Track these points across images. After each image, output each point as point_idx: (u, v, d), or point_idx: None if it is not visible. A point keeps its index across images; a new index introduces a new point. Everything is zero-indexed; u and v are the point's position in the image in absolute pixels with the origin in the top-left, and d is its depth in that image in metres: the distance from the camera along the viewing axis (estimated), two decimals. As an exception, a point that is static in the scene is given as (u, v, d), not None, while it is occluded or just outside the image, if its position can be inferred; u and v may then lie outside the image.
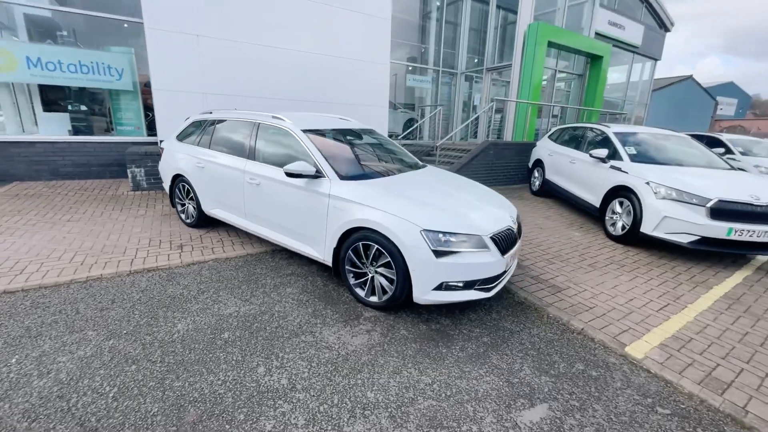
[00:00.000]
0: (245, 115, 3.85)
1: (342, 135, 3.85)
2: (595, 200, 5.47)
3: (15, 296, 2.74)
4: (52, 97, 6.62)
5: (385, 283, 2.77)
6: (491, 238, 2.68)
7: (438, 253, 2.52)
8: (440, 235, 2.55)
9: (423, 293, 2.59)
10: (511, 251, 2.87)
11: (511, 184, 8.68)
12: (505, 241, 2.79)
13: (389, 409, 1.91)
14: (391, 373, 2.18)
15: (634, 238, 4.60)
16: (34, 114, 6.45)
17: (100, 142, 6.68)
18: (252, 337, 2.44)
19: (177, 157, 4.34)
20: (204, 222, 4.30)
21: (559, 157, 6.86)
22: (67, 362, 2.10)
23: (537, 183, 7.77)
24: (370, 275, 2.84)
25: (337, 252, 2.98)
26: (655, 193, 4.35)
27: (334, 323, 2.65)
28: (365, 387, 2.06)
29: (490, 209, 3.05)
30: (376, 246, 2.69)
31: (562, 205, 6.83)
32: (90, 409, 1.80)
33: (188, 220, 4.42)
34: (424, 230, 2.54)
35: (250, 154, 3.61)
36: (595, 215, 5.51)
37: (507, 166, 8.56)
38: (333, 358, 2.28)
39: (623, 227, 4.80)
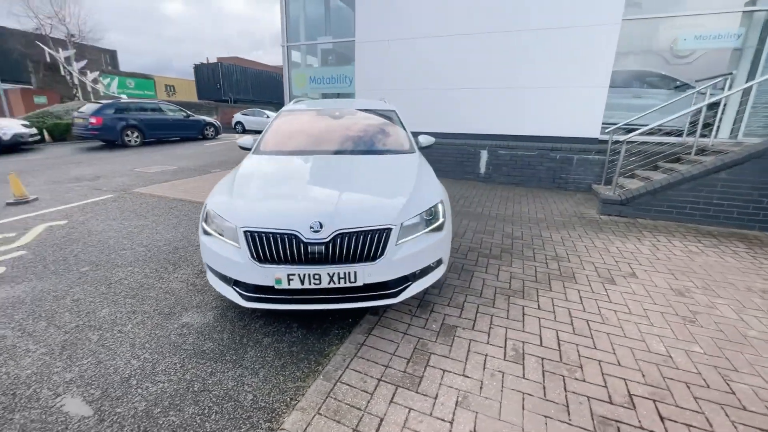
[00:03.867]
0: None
1: (331, 116, 3.75)
2: None
3: (180, 201, 5.27)
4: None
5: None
6: (246, 232, 2.08)
7: (204, 231, 2.35)
8: (211, 211, 2.34)
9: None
10: (302, 267, 2.01)
11: None
12: (276, 247, 2.04)
13: (95, 356, 2.36)
14: (150, 336, 2.51)
15: None
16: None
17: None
18: (159, 255, 3.46)
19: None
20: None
21: None
22: (129, 230, 4.08)
23: None
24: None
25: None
26: None
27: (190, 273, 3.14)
28: (117, 338, 2.57)
29: (337, 201, 2.19)
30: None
31: None
32: (94, 249, 3.57)
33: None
34: (208, 201, 2.43)
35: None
36: None
37: None
38: (156, 304, 2.88)
39: None
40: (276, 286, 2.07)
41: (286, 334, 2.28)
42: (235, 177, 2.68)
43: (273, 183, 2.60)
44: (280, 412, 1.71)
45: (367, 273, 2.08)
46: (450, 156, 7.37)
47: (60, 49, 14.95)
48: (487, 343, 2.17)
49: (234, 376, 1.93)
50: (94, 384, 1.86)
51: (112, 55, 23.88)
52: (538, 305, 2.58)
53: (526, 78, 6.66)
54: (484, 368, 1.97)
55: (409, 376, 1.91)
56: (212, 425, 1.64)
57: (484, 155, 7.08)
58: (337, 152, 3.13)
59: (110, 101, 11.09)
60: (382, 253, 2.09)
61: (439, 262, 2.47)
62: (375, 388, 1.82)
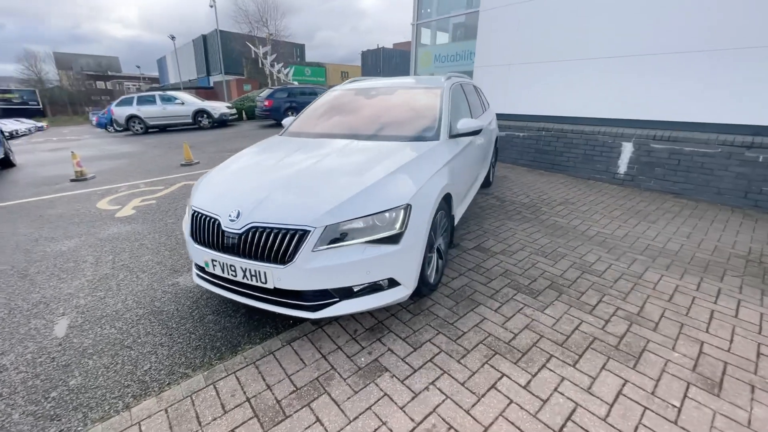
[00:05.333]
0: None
1: (366, 96, 3.37)
2: None
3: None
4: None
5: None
6: (195, 211, 2.12)
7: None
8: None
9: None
10: (222, 256, 1.92)
11: None
12: (203, 229, 2.02)
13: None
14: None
15: None
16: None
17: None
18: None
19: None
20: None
21: None
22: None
23: None
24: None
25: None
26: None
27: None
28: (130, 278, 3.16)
29: (269, 192, 1.99)
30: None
31: None
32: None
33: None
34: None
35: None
36: None
37: None
38: (176, 261, 3.41)
39: None
40: (206, 268, 2.06)
41: (228, 318, 2.27)
42: (230, 162, 2.77)
43: (248, 166, 2.53)
44: (148, 394, 1.72)
45: (276, 276, 1.81)
46: (577, 148, 5.70)
47: (261, 47, 19.51)
48: (402, 408, 1.58)
49: (157, 342, 2.07)
50: (84, 315, 2.33)
51: (301, 48, 29.34)
52: (529, 381, 1.70)
53: (709, 35, 4.32)
54: (365, 440, 1.44)
55: (275, 410, 1.59)
56: (103, 380, 1.80)
57: (626, 149, 5.16)
58: (345, 136, 2.82)
59: (280, 87, 13.62)
60: (291, 258, 1.78)
61: (392, 283, 1.94)
62: (233, 408, 1.60)
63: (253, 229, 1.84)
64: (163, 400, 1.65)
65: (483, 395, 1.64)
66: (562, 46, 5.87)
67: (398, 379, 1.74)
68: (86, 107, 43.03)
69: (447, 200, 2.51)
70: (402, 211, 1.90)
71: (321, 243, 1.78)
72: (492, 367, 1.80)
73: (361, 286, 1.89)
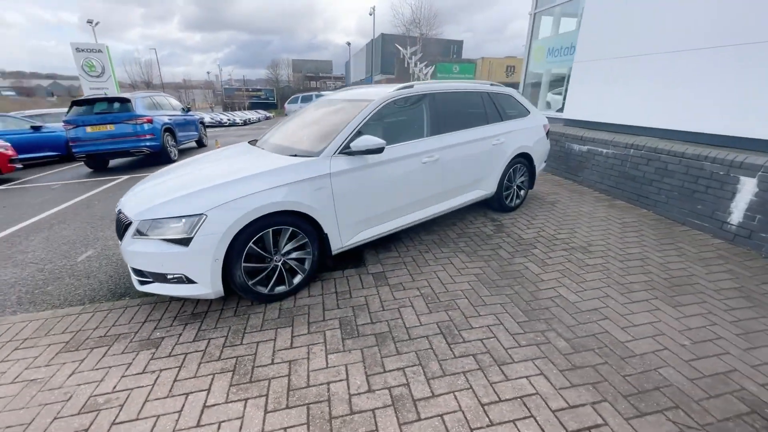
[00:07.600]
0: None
1: (315, 107, 3.52)
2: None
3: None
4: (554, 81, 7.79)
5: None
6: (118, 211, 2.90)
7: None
8: None
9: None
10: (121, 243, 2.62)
11: None
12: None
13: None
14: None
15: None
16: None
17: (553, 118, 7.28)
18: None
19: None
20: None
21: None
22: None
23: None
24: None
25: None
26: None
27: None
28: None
29: (144, 190, 2.67)
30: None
31: None
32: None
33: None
34: None
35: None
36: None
37: None
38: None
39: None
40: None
41: (146, 275, 3.07)
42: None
43: (173, 168, 3.16)
44: (58, 307, 2.66)
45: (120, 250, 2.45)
46: (672, 176, 3.94)
47: (408, 47, 20.53)
48: (115, 383, 1.94)
49: (101, 278, 3.04)
50: (100, 252, 3.60)
51: (458, 45, 29.01)
52: (183, 406, 1.73)
53: None
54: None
55: (78, 343, 2.23)
56: (58, 292, 2.87)
57: (746, 187, 3.25)
58: (275, 149, 3.14)
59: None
60: (122, 240, 2.36)
61: (188, 279, 2.25)
62: (67, 334, 2.34)
63: (119, 213, 2.51)
64: (54, 315, 2.55)
65: (168, 397, 1.80)
66: (673, 32, 4.05)
67: (149, 359, 2.08)
68: (301, 102, 56.56)
69: (307, 217, 2.53)
70: (192, 219, 2.17)
71: (137, 233, 2.28)
72: (187, 379, 1.90)
73: (173, 276, 2.29)
